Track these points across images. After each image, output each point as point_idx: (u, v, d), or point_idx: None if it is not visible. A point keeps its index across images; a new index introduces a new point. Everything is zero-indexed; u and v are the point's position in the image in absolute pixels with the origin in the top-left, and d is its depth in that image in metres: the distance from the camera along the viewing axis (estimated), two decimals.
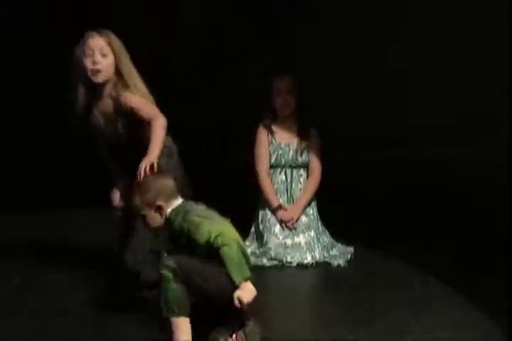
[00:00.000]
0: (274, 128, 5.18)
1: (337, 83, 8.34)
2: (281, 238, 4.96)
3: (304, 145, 5.15)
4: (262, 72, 5.49)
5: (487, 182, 6.96)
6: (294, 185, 5.15)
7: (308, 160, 5.17)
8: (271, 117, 5.19)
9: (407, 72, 8.52)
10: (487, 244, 5.15)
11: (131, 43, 4.24)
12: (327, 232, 5.12)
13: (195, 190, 6.65)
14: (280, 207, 5.08)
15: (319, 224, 5.11)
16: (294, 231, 5.00)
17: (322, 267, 4.84)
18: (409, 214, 6.08)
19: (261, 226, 5.06)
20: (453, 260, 4.87)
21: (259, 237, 5.04)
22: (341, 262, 4.89)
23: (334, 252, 5.01)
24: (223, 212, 5.69)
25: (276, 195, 5.12)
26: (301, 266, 4.84)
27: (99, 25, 4.17)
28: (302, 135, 5.16)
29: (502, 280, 4.30)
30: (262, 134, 5.17)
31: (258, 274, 4.70)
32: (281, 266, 4.84)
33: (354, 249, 5.05)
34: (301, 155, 5.15)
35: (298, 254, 4.87)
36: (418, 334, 3.70)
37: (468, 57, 8.44)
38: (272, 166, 5.16)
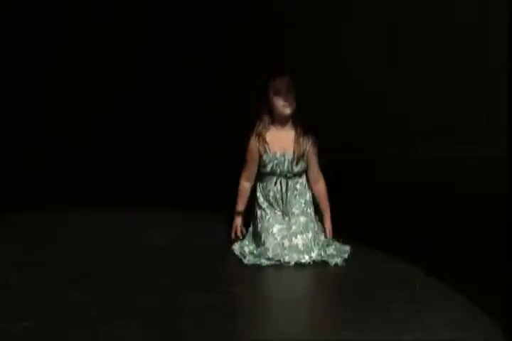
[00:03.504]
0: (268, 136, 5.06)
1: (337, 83, 8.34)
2: (278, 239, 4.93)
3: (299, 154, 5.05)
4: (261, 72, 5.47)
5: (487, 181, 6.97)
6: (289, 193, 5.08)
7: (305, 168, 5.10)
8: (267, 121, 5.08)
9: (407, 71, 8.52)
10: (487, 244, 5.15)
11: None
12: (323, 231, 5.11)
13: (194, 189, 6.67)
14: (240, 213, 5.18)
15: (316, 222, 5.10)
16: (291, 231, 4.97)
17: (320, 267, 4.84)
18: (409, 213, 6.08)
19: (259, 226, 5.05)
20: (453, 260, 4.87)
21: (257, 237, 5.03)
22: (339, 261, 4.87)
23: (331, 251, 4.99)
24: (223, 211, 5.70)
25: (246, 201, 5.17)
26: (298, 265, 4.83)
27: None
28: (299, 141, 5.06)
29: (502, 280, 4.30)
30: (253, 144, 5.06)
31: (256, 274, 4.73)
32: (279, 266, 4.83)
33: (354, 249, 5.05)
34: (297, 165, 5.06)
35: (295, 255, 4.86)
36: (418, 334, 3.70)
37: (468, 58, 8.44)
38: (267, 174, 5.09)
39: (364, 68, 8.37)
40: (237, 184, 5.18)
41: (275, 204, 5.09)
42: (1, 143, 7.88)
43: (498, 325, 3.78)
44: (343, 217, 5.23)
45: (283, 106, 5.03)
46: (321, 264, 4.85)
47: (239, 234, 5.22)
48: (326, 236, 5.09)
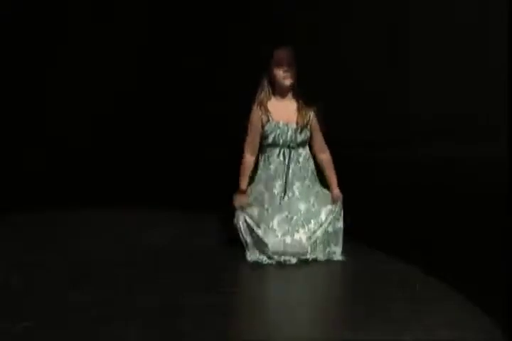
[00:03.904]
0: (270, 106, 4.98)
1: (337, 83, 8.34)
2: (280, 235, 4.82)
3: (303, 123, 4.96)
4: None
5: (487, 181, 6.97)
6: (292, 164, 4.96)
7: (308, 138, 5.00)
8: (268, 91, 5.00)
9: (407, 71, 8.52)
10: (487, 244, 5.15)
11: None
12: (327, 204, 4.98)
13: (194, 189, 6.65)
14: (243, 191, 4.97)
15: (318, 198, 4.96)
16: (292, 224, 4.88)
17: (320, 266, 4.82)
18: (409, 213, 6.08)
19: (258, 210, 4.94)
20: (453, 260, 4.87)
21: (257, 225, 4.91)
22: (340, 257, 4.85)
23: (333, 247, 4.91)
24: (223, 211, 5.71)
25: (248, 178, 4.99)
26: (300, 261, 4.80)
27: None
28: (301, 112, 4.98)
29: (502, 280, 4.30)
30: (255, 114, 4.96)
31: (256, 274, 4.73)
32: (280, 265, 4.80)
33: (354, 249, 5.03)
34: (301, 133, 4.97)
35: (298, 252, 4.80)
36: (418, 334, 3.70)
37: (468, 58, 8.44)
38: (269, 145, 4.98)
39: (364, 68, 8.37)
40: (237, 183, 5.16)
41: (276, 180, 4.96)
42: (1, 143, 7.88)
43: (498, 325, 3.78)
44: (343, 215, 5.22)
45: (283, 77, 4.97)
46: (321, 263, 4.85)
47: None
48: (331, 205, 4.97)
